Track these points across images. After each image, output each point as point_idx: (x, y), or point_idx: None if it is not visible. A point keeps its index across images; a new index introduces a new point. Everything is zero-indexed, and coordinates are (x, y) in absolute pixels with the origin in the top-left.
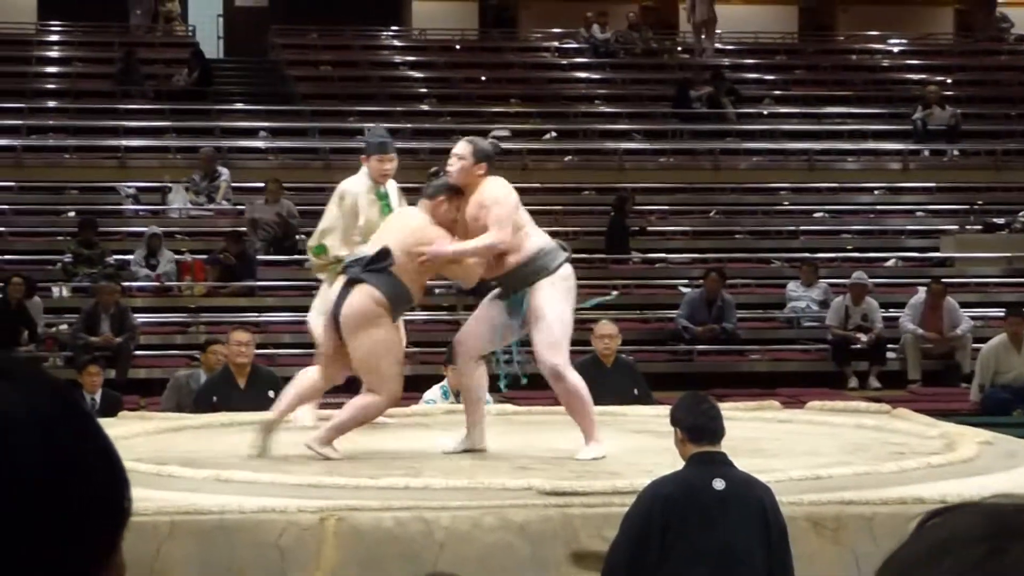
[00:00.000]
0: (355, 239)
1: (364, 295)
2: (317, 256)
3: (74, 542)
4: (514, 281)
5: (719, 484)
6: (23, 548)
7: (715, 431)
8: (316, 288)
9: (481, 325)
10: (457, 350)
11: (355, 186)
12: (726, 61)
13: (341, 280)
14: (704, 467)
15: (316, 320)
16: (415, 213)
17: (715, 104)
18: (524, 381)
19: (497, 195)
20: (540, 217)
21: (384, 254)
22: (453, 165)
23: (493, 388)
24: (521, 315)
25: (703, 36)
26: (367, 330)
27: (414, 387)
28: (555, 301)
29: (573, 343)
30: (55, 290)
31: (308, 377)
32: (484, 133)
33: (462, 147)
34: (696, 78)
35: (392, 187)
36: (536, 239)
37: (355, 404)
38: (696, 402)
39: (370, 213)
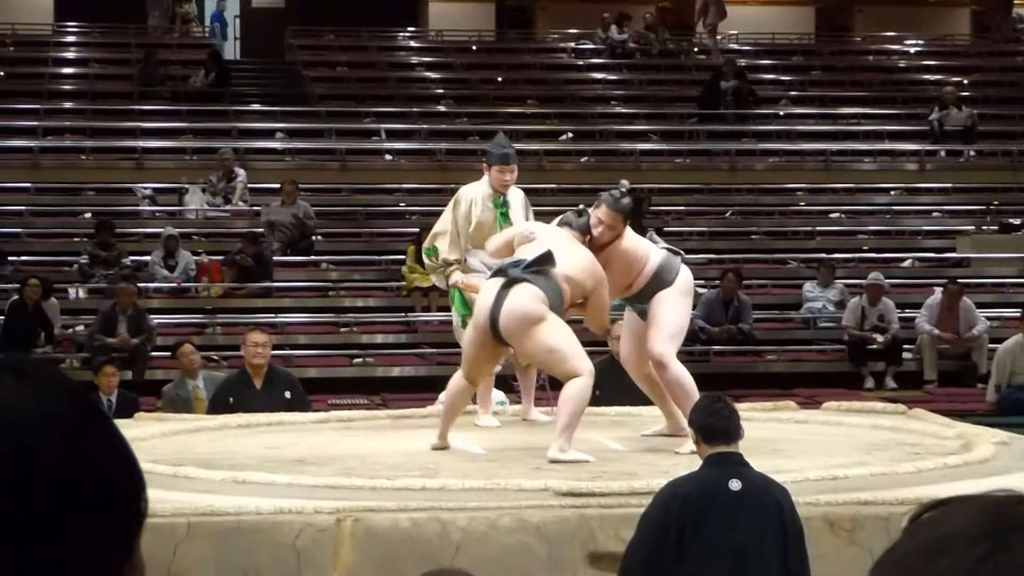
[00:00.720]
0: (467, 245)
1: (529, 295)
2: (429, 258)
3: (91, 543)
4: (639, 298)
5: (735, 485)
6: (40, 549)
7: (728, 431)
8: (332, 289)
9: (632, 340)
10: (627, 368)
11: (472, 192)
12: (743, 62)
13: (492, 282)
14: (720, 468)
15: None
16: (581, 247)
17: (742, 98)
18: None
19: (628, 261)
20: (557, 218)
21: (547, 257)
22: (600, 231)
23: (507, 388)
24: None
25: (720, 37)
26: (537, 325)
27: (431, 388)
28: (671, 303)
29: (592, 343)
30: (72, 291)
31: (454, 389)
32: (502, 134)
33: (608, 215)
34: (728, 70)
35: (516, 195)
36: (653, 259)
37: (568, 397)
38: (710, 403)
39: (484, 219)
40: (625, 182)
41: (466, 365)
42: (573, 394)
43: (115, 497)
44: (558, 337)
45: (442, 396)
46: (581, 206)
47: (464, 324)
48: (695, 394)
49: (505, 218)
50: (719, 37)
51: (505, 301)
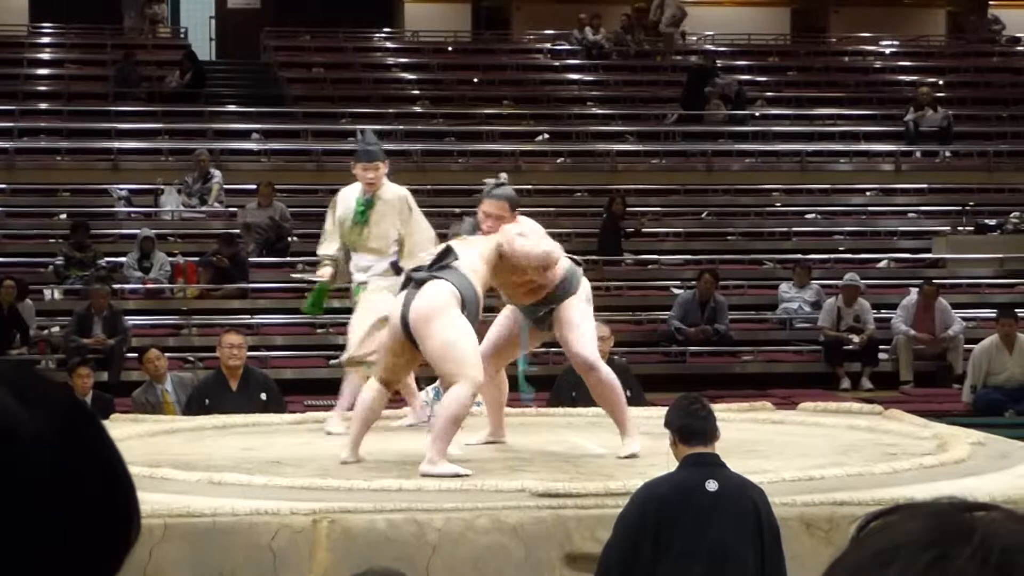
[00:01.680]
0: (343, 244)
1: (437, 288)
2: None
3: (79, 565)
4: (545, 301)
5: (712, 485)
6: (22, 570)
7: (705, 432)
8: (308, 290)
9: (494, 339)
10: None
11: (346, 191)
12: (718, 62)
13: (404, 292)
14: (697, 469)
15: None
16: (477, 237)
17: (740, 100)
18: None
19: (534, 227)
20: (534, 219)
21: (447, 251)
22: (488, 225)
23: None
24: (541, 325)
25: (695, 38)
26: (440, 319)
27: None
28: (582, 311)
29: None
30: (47, 292)
31: (369, 394)
32: (477, 135)
33: (496, 205)
34: (710, 67)
35: (394, 195)
36: (562, 265)
37: (444, 405)
38: (687, 403)
39: (344, 218)
40: (503, 175)
41: (381, 369)
42: (448, 404)
43: (107, 519)
44: (457, 335)
45: (420, 395)
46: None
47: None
48: (623, 396)
49: (363, 217)
50: (694, 38)
51: (414, 299)
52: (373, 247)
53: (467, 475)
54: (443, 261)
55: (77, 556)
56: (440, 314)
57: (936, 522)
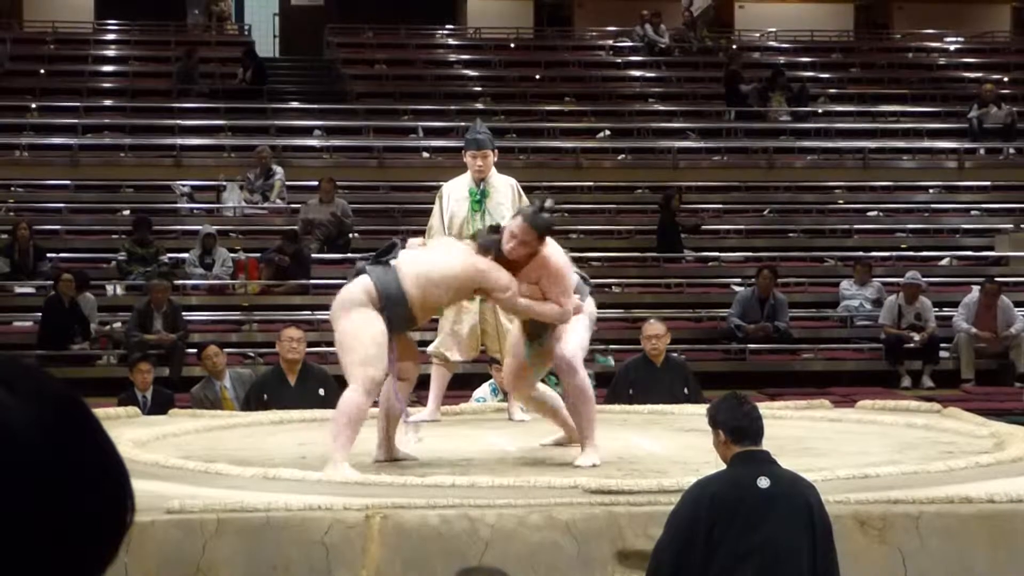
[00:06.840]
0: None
1: (358, 285)
2: None
3: (70, 554)
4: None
5: (764, 482)
6: (17, 559)
7: (757, 431)
8: None
9: (516, 363)
10: (510, 391)
11: (452, 185)
12: (781, 59)
13: None
14: (749, 466)
15: None
16: (460, 257)
17: (802, 97)
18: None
19: (559, 264)
20: (594, 216)
21: (389, 248)
22: (512, 246)
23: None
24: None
25: (758, 35)
26: (348, 314)
27: (464, 385)
28: (580, 322)
29: (625, 341)
30: (109, 288)
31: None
32: (538, 132)
33: (522, 228)
34: (739, 69)
35: (503, 184)
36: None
37: (337, 408)
38: (738, 404)
39: (456, 210)
40: (550, 200)
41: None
42: (341, 406)
43: (100, 509)
44: (355, 335)
45: (476, 393)
46: (497, 222)
47: None
48: (593, 403)
49: (479, 206)
50: (757, 35)
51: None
52: None
53: (359, 481)
54: (382, 256)
55: (71, 540)
56: (348, 309)
57: None
